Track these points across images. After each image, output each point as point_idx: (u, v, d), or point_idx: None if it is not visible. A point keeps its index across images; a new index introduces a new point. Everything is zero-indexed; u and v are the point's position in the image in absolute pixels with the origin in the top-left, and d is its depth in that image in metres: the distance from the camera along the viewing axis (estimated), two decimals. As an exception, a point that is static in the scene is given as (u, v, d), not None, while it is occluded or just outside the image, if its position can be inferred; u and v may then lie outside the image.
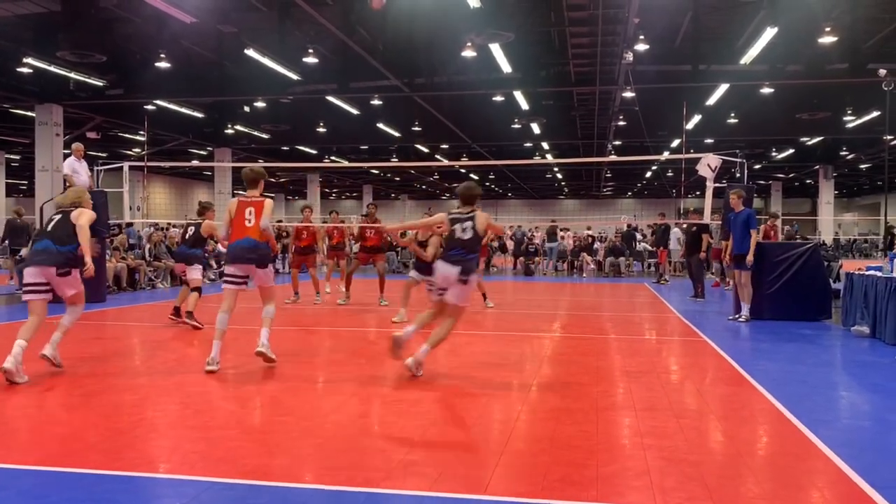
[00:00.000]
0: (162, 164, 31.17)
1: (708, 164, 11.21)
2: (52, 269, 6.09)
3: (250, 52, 15.90)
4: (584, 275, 22.12)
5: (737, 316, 10.52)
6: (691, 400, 5.67)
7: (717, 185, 11.51)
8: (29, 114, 21.58)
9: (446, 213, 6.55)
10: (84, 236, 6.20)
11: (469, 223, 6.28)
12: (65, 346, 7.90)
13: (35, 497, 3.41)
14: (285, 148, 31.89)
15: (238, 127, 26.91)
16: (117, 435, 4.41)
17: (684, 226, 17.71)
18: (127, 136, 28.15)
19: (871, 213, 46.01)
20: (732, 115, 24.16)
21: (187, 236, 9.78)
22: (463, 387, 5.88)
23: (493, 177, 46.31)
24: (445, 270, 6.21)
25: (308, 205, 14.39)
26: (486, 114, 23.76)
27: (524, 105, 21.24)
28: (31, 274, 6.12)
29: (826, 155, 32.03)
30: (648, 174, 42.82)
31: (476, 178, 46.13)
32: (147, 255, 16.52)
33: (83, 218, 6.30)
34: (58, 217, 6.39)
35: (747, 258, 10.10)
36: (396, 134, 27.38)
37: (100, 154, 28.25)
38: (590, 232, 25.81)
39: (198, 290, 9.45)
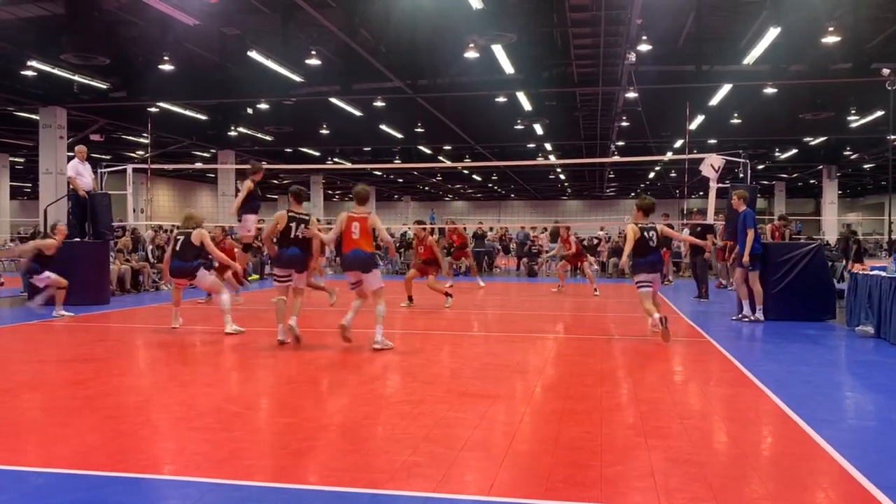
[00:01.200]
0: (165, 166, 31.20)
1: (711, 164, 11.22)
2: (185, 279, 9.24)
3: (253, 55, 15.93)
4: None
5: (741, 316, 10.51)
6: (695, 401, 5.67)
7: (720, 185, 11.50)
8: (33, 116, 21.64)
9: (634, 224, 8.51)
10: (215, 252, 9.53)
11: (653, 233, 8.51)
12: (68, 349, 7.93)
13: (39, 499, 3.42)
14: (288, 150, 31.91)
15: (241, 129, 26.95)
16: (121, 436, 4.42)
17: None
18: (130, 138, 28.22)
19: (875, 213, 45.88)
20: (735, 115, 24.12)
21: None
22: (466, 388, 5.88)
23: (495, 178, 46.32)
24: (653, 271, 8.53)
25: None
26: (488, 115, 23.75)
27: (527, 106, 21.25)
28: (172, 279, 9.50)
29: (829, 155, 31.96)
30: (651, 175, 42.78)
31: (478, 178, 46.21)
32: (150, 256, 16.54)
33: (206, 238, 9.19)
34: (182, 238, 9.09)
35: (744, 258, 10.13)
36: (399, 135, 27.40)
37: (103, 156, 28.29)
38: (602, 233, 25.69)
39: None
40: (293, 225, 7.99)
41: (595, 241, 24.40)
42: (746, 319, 10.29)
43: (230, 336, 8.69)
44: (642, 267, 8.51)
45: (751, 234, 10.05)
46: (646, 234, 8.44)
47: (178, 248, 9.05)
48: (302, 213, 8.13)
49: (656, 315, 8.20)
